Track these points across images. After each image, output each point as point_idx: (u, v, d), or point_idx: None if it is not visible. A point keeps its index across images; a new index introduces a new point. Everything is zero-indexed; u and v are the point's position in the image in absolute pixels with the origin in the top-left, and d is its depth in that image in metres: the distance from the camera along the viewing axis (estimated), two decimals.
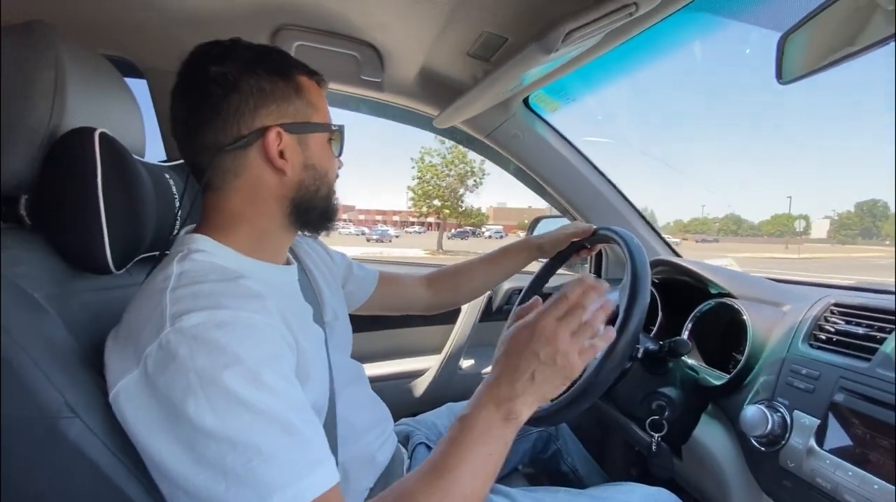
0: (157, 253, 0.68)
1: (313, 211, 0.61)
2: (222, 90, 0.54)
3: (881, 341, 0.62)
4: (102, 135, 0.57)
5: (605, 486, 0.79)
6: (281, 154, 0.56)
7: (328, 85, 0.65)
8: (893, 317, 0.64)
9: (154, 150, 0.89)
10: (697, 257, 1.13)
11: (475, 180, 24.87)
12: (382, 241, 32.70)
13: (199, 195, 0.60)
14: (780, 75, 0.62)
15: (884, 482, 0.52)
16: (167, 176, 0.72)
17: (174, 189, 0.72)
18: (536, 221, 1.54)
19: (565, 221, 1.40)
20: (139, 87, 1.11)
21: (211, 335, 0.43)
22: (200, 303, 0.46)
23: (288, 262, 0.67)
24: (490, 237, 45.47)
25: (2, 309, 0.44)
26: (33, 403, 0.43)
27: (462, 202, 25.83)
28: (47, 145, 0.55)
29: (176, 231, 0.72)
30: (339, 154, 0.64)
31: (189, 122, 0.56)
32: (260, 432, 0.42)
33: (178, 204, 0.72)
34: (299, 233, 0.64)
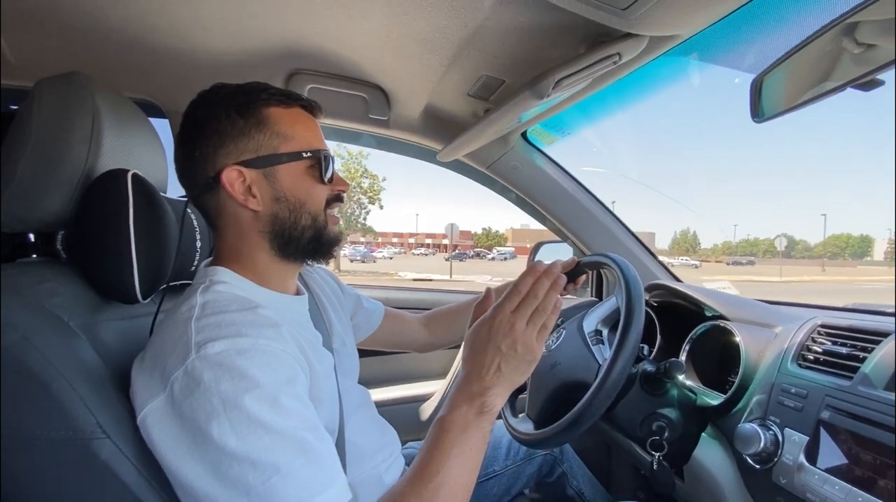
0: (178, 282, 0.73)
1: (298, 241, 0.61)
2: (192, 135, 0.59)
3: (863, 360, 0.65)
4: (135, 175, 0.62)
5: None
6: (250, 189, 0.58)
7: (320, 110, 0.65)
8: (875, 337, 0.67)
9: (175, 185, 0.95)
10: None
11: (369, 196, 23.91)
12: (365, 261, 32.94)
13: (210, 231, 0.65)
14: (754, 114, 0.68)
15: (868, 494, 0.54)
16: (189, 210, 0.78)
17: (195, 223, 0.77)
18: (538, 246, 1.58)
19: (566, 246, 1.44)
20: (161, 127, 1.19)
21: (233, 362, 0.47)
22: (223, 331, 0.49)
23: (298, 292, 0.70)
24: (493, 259, 45.10)
25: (41, 336, 0.48)
26: (68, 424, 0.46)
27: (359, 217, 24.93)
28: (83, 185, 0.60)
29: (196, 263, 0.77)
30: (328, 179, 0.62)
31: (178, 170, 0.62)
32: (278, 452, 0.45)
33: (198, 237, 0.77)
34: (307, 263, 0.65)
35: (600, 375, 0.70)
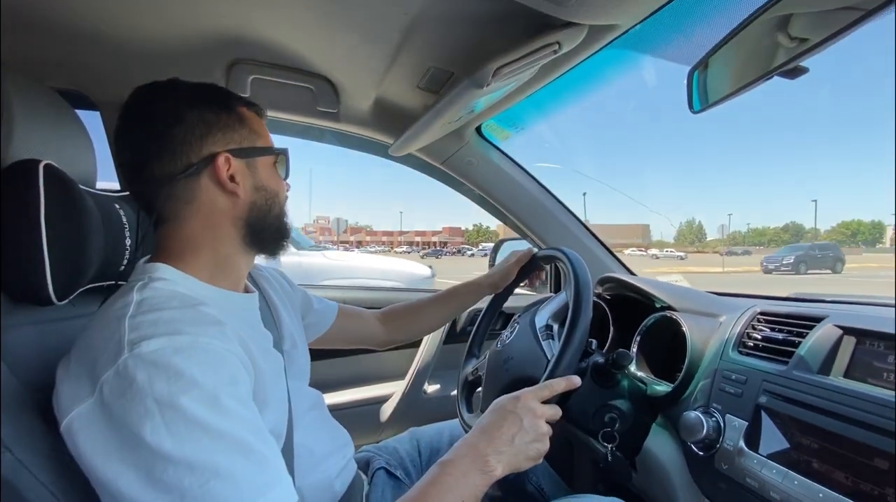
0: (104, 283, 0.68)
1: (267, 230, 0.64)
2: (166, 124, 0.57)
3: (797, 345, 0.67)
4: (47, 166, 0.57)
5: (562, 499, 0.80)
6: (232, 178, 0.59)
7: (265, 115, 0.69)
8: (810, 323, 0.69)
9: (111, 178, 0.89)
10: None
11: None
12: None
13: (150, 226, 0.61)
14: (691, 105, 0.69)
15: (803, 478, 0.55)
16: (117, 206, 0.72)
17: (124, 219, 0.72)
18: (500, 243, 1.58)
19: (527, 244, 1.45)
20: (92, 119, 1.12)
21: (169, 360, 0.44)
22: (160, 329, 0.46)
23: (247, 290, 0.68)
24: (472, 256, 45.09)
25: None
26: None
27: None
28: None
29: (125, 261, 0.72)
30: (286, 176, 0.68)
31: (136, 158, 0.58)
32: (218, 454, 0.43)
33: (127, 234, 0.72)
34: (258, 257, 0.67)
35: (547, 370, 0.70)
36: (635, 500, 1.01)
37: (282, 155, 0.66)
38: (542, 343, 0.81)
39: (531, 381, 0.71)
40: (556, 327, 0.85)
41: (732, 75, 0.67)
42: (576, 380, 0.67)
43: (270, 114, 1.11)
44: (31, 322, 0.58)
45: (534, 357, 0.79)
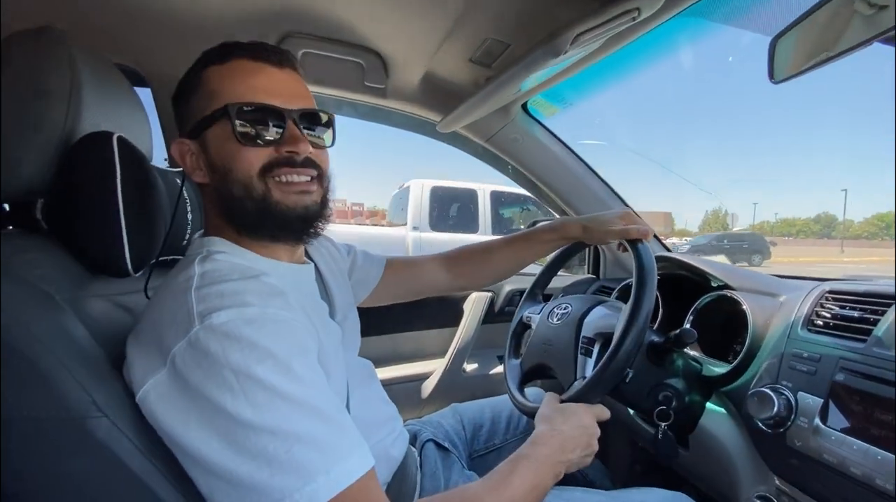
0: (170, 257, 0.69)
1: (245, 216, 0.54)
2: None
3: (875, 323, 0.65)
4: (120, 138, 0.57)
5: (625, 490, 0.80)
6: (198, 162, 0.56)
7: (288, 59, 0.56)
8: (885, 301, 0.68)
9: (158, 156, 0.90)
10: None
11: None
12: None
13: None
14: (772, 75, 0.66)
15: (886, 452, 0.55)
16: (178, 181, 0.73)
17: (186, 195, 0.73)
18: (533, 225, 1.57)
19: None
20: (142, 96, 1.12)
21: (241, 331, 0.44)
22: (227, 301, 0.46)
23: (303, 261, 0.67)
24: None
25: (25, 310, 0.44)
26: (60, 403, 0.43)
27: None
28: (63, 150, 0.55)
29: (187, 235, 0.73)
30: (249, 140, 0.52)
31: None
32: (298, 420, 0.43)
33: (189, 209, 0.73)
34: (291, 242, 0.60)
35: (570, 390, 0.73)
36: (680, 480, 1.02)
37: (242, 111, 0.51)
38: (580, 357, 0.79)
39: (555, 379, 0.78)
40: (597, 346, 0.78)
41: (816, 45, 0.65)
42: (608, 415, 0.74)
43: (317, 90, 1.10)
44: (107, 293, 0.59)
45: (566, 363, 0.80)
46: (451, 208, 4.84)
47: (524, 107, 1.21)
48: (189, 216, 0.74)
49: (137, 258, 0.59)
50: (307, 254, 0.73)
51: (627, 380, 0.74)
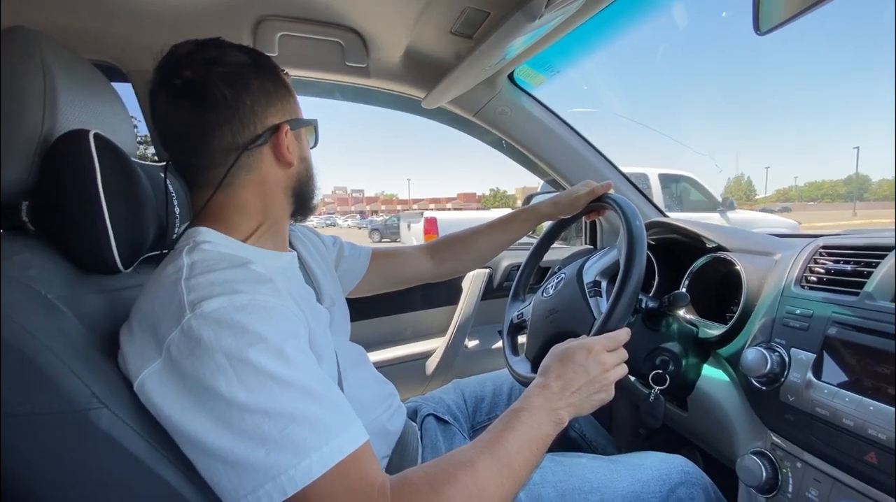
0: (160, 251, 0.70)
1: (309, 198, 0.66)
2: (233, 91, 0.55)
3: (868, 275, 0.64)
4: (97, 135, 0.57)
5: (624, 455, 0.82)
6: (287, 149, 0.60)
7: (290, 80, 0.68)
8: (878, 253, 0.67)
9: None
10: None
11: None
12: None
13: (187, 193, 0.61)
14: (757, 27, 0.64)
15: (879, 403, 0.55)
16: (162, 175, 0.73)
17: (171, 188, 0.72)
18: (529, 199, 1.56)
19: None
20: (123, 91, 1.11)
21: (232, 317, 0.45)
22: (217, 289, 0.47)
23: (286, 250, 0.68)
24: None
25: (19, 309, 0.45)
26: (61, 397, 0.44)
27: None
28: (42, 150, 0.55)
29: (177, 228, 0.73)
30: (315, 145, 0.69)
31: (197, 125, 0.56)
32: (291, 401, 0.44)
33: (176, 203, 0.73)
34: (298, 220, 0.68)
35: (595, 327, 0.69)
36: (683, 443, 1.03)
37: (315, 126, 0.68)
38: (590, 300, 0.79)
39: (575, 336, 0.70)
40: (604, 284, 0.82)
41: None
42: (626, 335, 0.66)
43: (297, 73, 1.08)
44: (99, 290, 0.60)
45: (580, 313, 0.78)
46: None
47: (511, 78, 1.19)
48: (177, 209, 0.74)
49: (126, 254, 0.59)
50: (291, 245, 0.74)
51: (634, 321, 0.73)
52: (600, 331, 0.66)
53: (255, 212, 0.60)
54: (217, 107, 0.55)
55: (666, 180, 5.39)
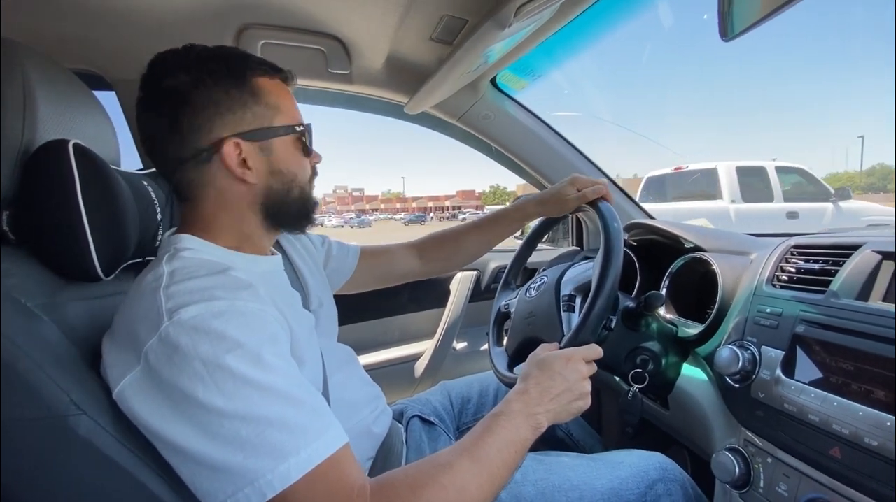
0: (142, 259, 0.70)
1: (287, 213, 0.63)
2: (174, 104, 0.55)
3: (835, 274, 0.66)
4: (76, 145, 0.57)
5: (606, 453, 0.83)
6: (245, 162, 0.57)
7: (296, 80, 0.65)
8: (846, 251, 0.68)
9: (130, 160, 0.90)
10: None
11: None
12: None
13: (170, 201, 0.62)
14: (724, 32, 0.64)
15: (843, 399, 0.56)
16: (145, 183, 0.73)
17: (153, 196, 0.73)
18: (517, 200, 1.57)
19: None
20: (108, 100, 1.12)
21: (210, 324, 0.46)
22: (195, 296, 0.48)
23: (272, 254, 0.69)
24: (465, 219, 44.35)
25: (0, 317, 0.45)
26: (40, 403, 0.44)
27: None
28: (23, 161, 0.56)
29: (159, 236, 0.74)
30: (309, 153, 0.64)
31: (150, 135, 0.58)
32: (268, 406, 0.45)
33: (158, 210, 0.74)
34: (292, 232, 0.67)
35: (563, 342, 0.72)
36: (667, 439, 1.04)
37: (303, 131, 0.62)
38: (563, 314, 0.81)
39: (548, 343, 0.73)
40: (578, 300, 0.83)
41: None
42: (599, 351, 0.68)
43: None
44: (82, 298, 0.60)
45: (551, 325, 0.80)
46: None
47: (493, 83, 1.20)
48: (159, 216, 0.75)
49: (107, 262, 0.59)
50: (278, 246, 0.74)
51: (607, 335, 0.75)
52: (581, 325, 0.69)
53: (226, 224, 0.60)
54: (161, 120, 0.56)
55: (744, 173, 5.55)
